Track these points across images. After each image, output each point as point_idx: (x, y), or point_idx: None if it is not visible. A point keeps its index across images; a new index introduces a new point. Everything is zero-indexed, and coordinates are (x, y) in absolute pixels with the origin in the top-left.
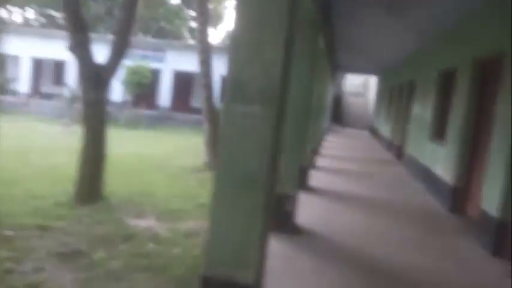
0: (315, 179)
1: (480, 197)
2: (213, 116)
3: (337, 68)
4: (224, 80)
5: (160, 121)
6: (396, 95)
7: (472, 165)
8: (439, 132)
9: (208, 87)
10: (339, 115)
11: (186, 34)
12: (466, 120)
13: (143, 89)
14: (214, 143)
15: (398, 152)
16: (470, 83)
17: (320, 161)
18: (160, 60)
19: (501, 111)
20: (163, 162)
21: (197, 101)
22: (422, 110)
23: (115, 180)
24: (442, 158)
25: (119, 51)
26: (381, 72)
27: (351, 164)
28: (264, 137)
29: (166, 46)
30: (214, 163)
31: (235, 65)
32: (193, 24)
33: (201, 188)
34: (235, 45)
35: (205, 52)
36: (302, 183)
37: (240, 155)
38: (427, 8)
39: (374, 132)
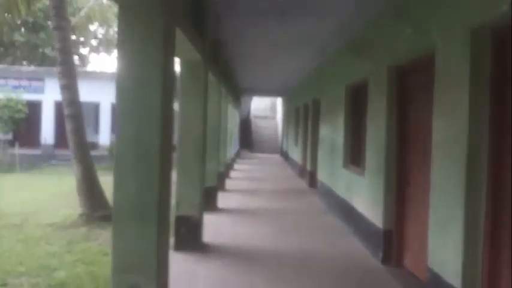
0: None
1: (423, 247)
2: (83, 154)
3: (242, 92)
4: (114, 108)
5: (43, 161)
6: (302, 116)
7: (405, 202)
8: (353, 158)
9: (75, 118)
10: (248, 140)
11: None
12: (387, 140)
13: (18, 125)
14: (89, 189)
15: (311, 179)
16: (387, 94)
17: (223, 199)
18: (40, 90)
19: (441, 124)
20: (27, 217)
21: (90, 135)
22: (331, 131)
23: None
24: (362, 190)
25: None
26: (286, 93)
27: (258, 199)
28: (152, 167)
29: (45, 74)
30: (91, 214)
31: (120, 97)
32: (83, 50)
33: (68, 254)
34: (119, 79)
35: (70, 76)
36: (211, 205)
37: (133, 187)
38: (322, 16)
39: (285, 156)
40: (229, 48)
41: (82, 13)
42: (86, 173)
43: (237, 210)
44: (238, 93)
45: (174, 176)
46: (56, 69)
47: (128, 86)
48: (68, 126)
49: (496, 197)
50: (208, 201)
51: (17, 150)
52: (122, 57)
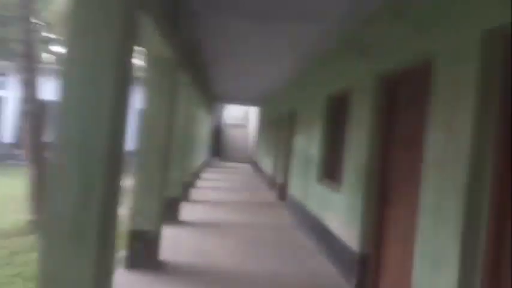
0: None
1: (406, 278)
2: (38, 155)
3: (215, 98)
4: None
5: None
6: (276, 127)
7: (386, 224)
8: (329, 173)
9: (34, 115)
10: (220, 148)
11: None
12: (369, 154)
13: None
14: (41, 194)
15: (281, 191)
16: (372, 104)
17: (186, 211)
18: (1, 86)
19: (437, 137)
20: None
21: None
22: (307, 144)
23: None
24: (337, 208)
25: None
26: (261, 102)
27: (224, 211)
28: (94, 177)
29: (8, 69)
30: (41, 222)
31: (64, 90)
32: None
33: (8, 266)
34: (65, 67)
35: (30, 71)
36: (172, 217)
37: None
38: (306, 22)
39: (256, 166)
40: (205, 49)
41: (54, 7)
42: (39, 176)
43: (200, 223)
44: (211, 99)
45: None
46: (16, 63)
47: (75, 76)
48: (25, 125)
49: (501, 224)
50: (170, 213)
51: None
52: (70, 38)
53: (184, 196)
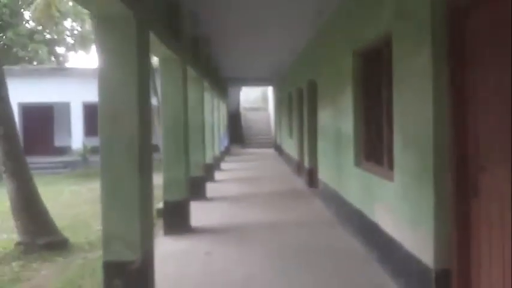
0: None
1: None
2: (17, 167)
3: (229, 82)
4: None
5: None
6: (296, 103)
7: (473, 225)
8: (371, 153)
9: (3, 120)
10: (240, 134)
11: (50, 60)
12: (436, 121)
13: None
14: (27, 211)
15: (310, 177)
16: (431, 44)
17: (201, 212)
18: None
19: None
20: None
21: (63, 139)
22: (334, 118)
23: None
24: (391, 201)
25: None
26: (277, 80)
27: (247, 209)
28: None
29: (5, 74)
30: (31, 243)
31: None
32: (59, 48)
33: None
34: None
35: None
36: (199, 194)
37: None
38: None
39: (280, 150)
40: (212, 37)
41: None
42: (22, 191)
43: (217, 230)
44: (224, 84)
45: None
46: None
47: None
48: None
49: None
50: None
51: None
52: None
53: (199, 193)
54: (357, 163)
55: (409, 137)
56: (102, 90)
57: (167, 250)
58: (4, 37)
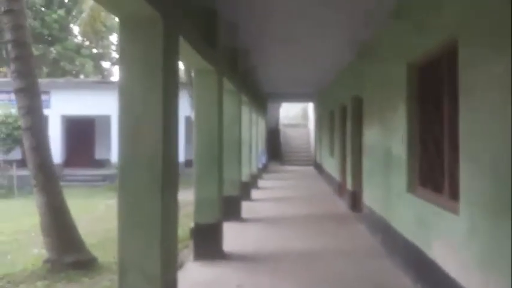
0: None
1: None
2: (47, 180)
3: (268, 98)
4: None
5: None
6: (339, 120)
7: None
8: (426, 178)
9: (34, 131)
10: (278, 151)
11: (96, 74)
12: None
13: (19, 143)
14: (56, 227)
15: (353, 200)
16: None
17: (235, 235)
18: (46, 104)
19: None
20: None
21: (102, 152)
22: (383, 138)
23: None
24: (455, 237)
25: None
26: (318, 96)
27: (284, 233)
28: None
29: (50, 87)
30: (58, 260)
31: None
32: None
33: None
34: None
35: (26, 76)
36: (234, 214)
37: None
38: None
39: (319, 169)
40: (251, 50)
41: (84, 15)
42: (51, 206)
43: (251, 256)
44: (263, 100)
45: None
46: (10, 68)
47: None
48: (26, 143)
49: None
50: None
51: (15, 172)
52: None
53: (234, 214)
54: (410, 189)
55: (481, 163)
56: (123, 102)
57: (195, 279)
58: (53, 51)
